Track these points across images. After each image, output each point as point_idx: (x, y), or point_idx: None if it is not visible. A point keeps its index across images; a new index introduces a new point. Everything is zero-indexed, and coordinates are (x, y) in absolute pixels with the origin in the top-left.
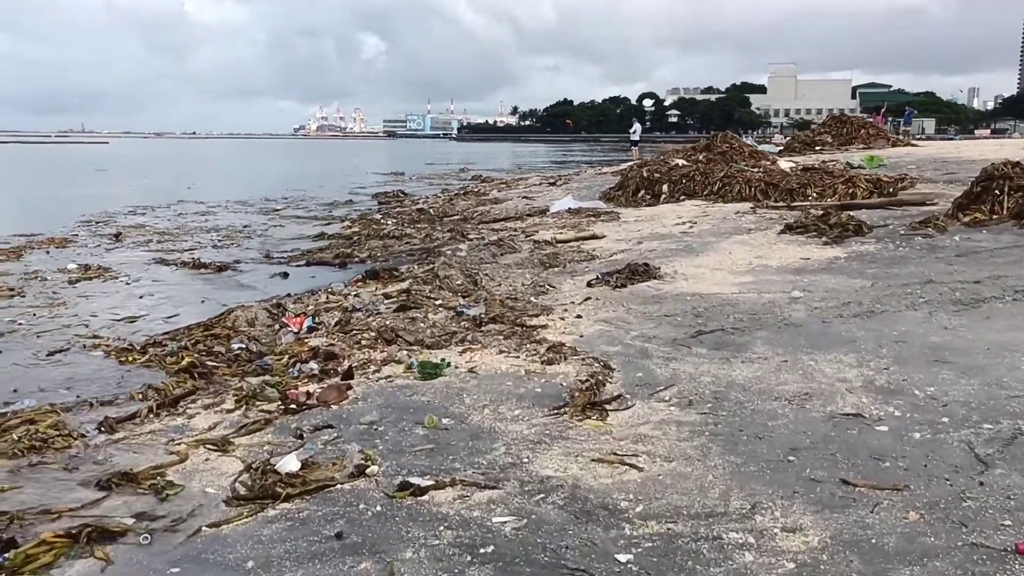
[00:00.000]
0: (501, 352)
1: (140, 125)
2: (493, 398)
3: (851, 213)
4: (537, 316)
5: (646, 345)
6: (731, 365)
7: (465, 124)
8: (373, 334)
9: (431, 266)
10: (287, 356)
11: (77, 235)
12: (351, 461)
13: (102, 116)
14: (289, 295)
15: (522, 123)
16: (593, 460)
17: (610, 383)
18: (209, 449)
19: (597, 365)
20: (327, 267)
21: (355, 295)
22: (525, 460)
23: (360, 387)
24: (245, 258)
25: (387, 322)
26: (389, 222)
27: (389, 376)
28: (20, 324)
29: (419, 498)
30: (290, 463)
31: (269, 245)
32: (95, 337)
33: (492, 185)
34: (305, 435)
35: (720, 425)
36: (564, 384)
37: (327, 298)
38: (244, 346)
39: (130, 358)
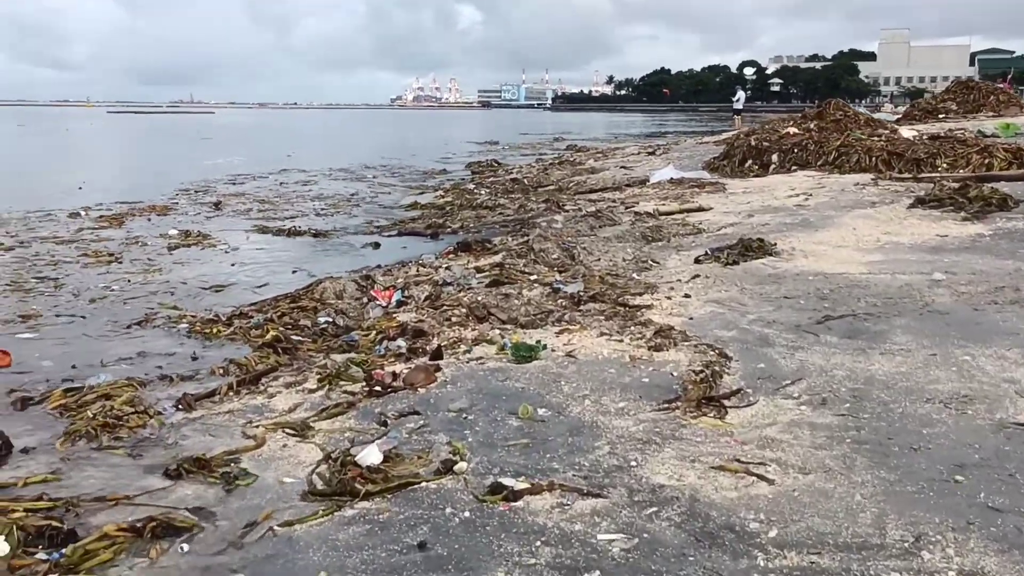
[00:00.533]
0: (602, 334)
1: (245, 96)
2: (594, 387)
3: (992, 185)
4: (641, 295)
5: (766, 331)
6: (868, 357)
7: (559, 94)
8: (464, 310)
9: (525, 239)
10: (374, 332)
11: (177, 203)
12: (437, 455)
13: (210, 87)
14: (379, 266)
15: (617, 93)
16: (713, 467)
17: (728, 374)
18: (288, 434)
19: (712, 353)
20: (419, 237)
21: (446, 268)
22: (633, 463)
23: (449, 369)
24: (340, 227)
25: (479, 298)
26: (482, 192)
27: (480, 358)
28: (112, 291)
29: (513, 504)
30: (372, 455)
31: (364, 213)
32: (176, 308)
33: (588, 155)
34: (389, 422)
35: (864, 431)
36: (675, 374)
37: (417, 270)
38: (331, 320)
39: (215, 330)
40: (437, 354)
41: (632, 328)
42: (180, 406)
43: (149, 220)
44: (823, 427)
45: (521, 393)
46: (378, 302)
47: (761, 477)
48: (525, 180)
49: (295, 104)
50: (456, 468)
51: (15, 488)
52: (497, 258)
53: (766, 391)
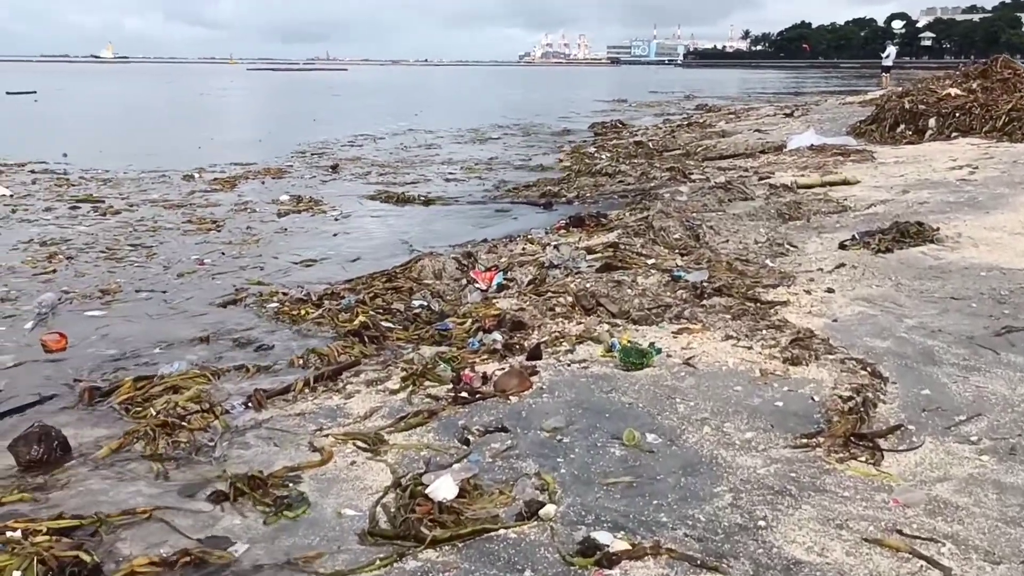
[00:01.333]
0: (728, 338)
1: (378, 53)
2: (716, 408)
3: None
4: (775, 287)
5: (930, 343)
6: None
7: (692, 50)
8: (570, 299)
9: (645, 214)
10: (470, 321)
11: (292, 166)
12: (522, 491)
13: (345, 44)
14: (485, 240)
15: (753, 48)
16: (867, 539)
17: (883, 402)
18: (358, 447)
19: (863, 372)
20: (532, 206)
21: (554, 246)
22: (761, 522)
23: (547, 373)
24: (453, 193)
25: (588, 285)
26: (603, 156)
27: (584, 361)
28: (203, 264)
29: (606, 572)
30: (445, 487)
31: (480, 178)
32: (262, 284)
33: (719, 115)
34: (472, 439)
35: None
36: (815, 398)
37: (523, 248)
38: (426, 304)
39: (302, 311)
40: (535, 353)
41: (764, 332)
42: (250, 404)
43: (263, 183)
44: (1015, 489)
45: (628, 411)
46: (477, 285)
47: (933, 563)
48: (649, 143)
49: (425, 61)
50: (543, 513)
51: (48, 503)
52: (612, 236)
53: (934, 429)
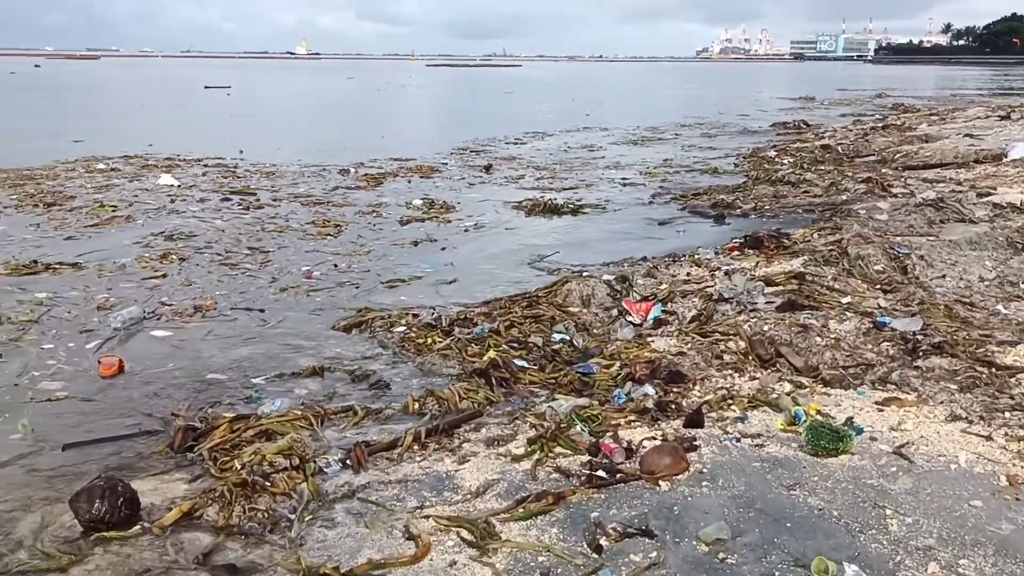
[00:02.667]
0: (955, 419)
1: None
2: (946, 532)
3: None
4: (1014, 345)
5: None
6: None
7: (883, 45)
8: (743, 345)
9: (837, 236)
10: (618, 364)
11: (447, 164)
12: None
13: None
14: (644, 260)
15: (954, 43)
16: None
17: None
18: (463, 539)
19: None
20: (701, 218)
21: (725, 273)
22: None
23: (709, 448)
24: (614, 201)
25: (765, 327)
26: (785, 161)
27: (758, 436)
28: (314, 276)
29: None
30: None
31: (647, 185)
32: (358, 306)
33: (919, 116)
34: (605, 544)
35: None
36: None
37: (688, 273)
38: (568, 338)
39: (429, 340)
40: (696, 419)
41: (1007, 414)
42: (348, 462)
43: (409, 183)
44: None
45: (817, 521)
46: (630, 318)
47: None
48: (839, 148)
49: (600, 56)
50: None
51: None
52: (796, 263)
53: None
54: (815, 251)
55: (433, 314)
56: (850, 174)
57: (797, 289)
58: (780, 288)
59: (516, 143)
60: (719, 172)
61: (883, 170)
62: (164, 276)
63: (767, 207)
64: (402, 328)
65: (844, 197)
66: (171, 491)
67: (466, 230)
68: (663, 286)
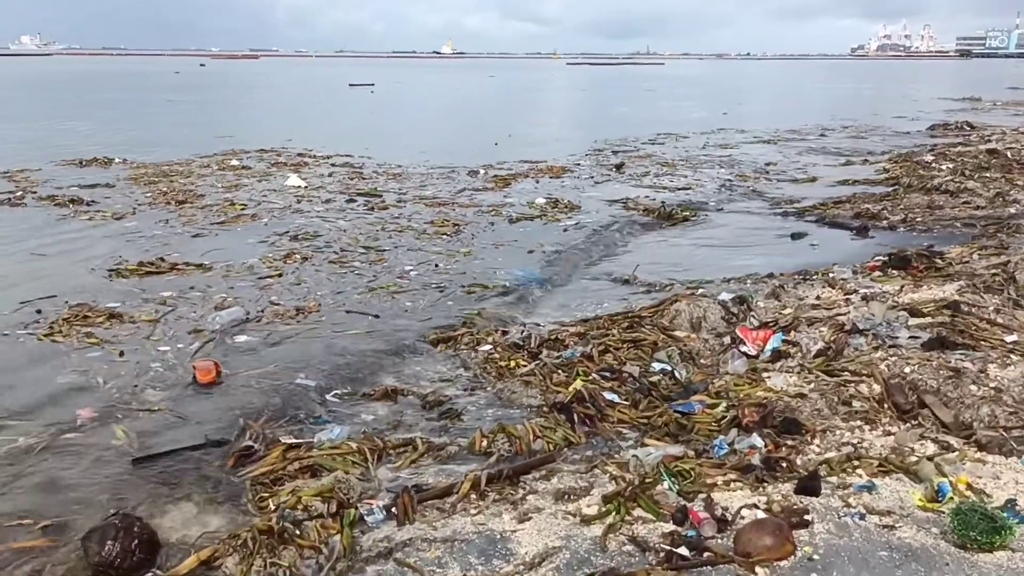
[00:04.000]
0: None
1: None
2: None
3: None
4: None
5: None
6: None
7: None
8: (877, 389)
9: (1003, 258)
10: (724, 404)
11: (579, 164)
12: None
13: (667, 39)
14: (771, 276)
15: None
16: None
17: None
18: None
19: None
20: (841, 230)
21: (863, 297)
22: None
23: (823, 525)
24: (736, 205)
25: (907, 369)
26: (943, 167)
27: (889, 515)
28: (408, 276)
29: None
30: None
31: (775, 188)
32: (479, 315)
33: None
34: None
35: None
36: None
37: (819, 295)
38: (669, 368)
39: (512, 362)
40: (809, 484)
41: None
42: (394, 512)
43: (536, 183)
44: None
45: None
46: (744, 348)
47: None
48: (1008, 153)
49: (748, 54)
50: None
51: None
52: (949, 289)
53: None
54: (974, 275)
55: (523, 331)
56: (1021, 183)
57: (950, 322)
58: (928, 321)
59: (653, 142)
60: (864, 180)
61: None
62: (280, 275)
63: (919, 219)
64: (488, 347)
65: (1012, 210)
66: (205, 523)
67: (564, 230)
68: (787, 310)
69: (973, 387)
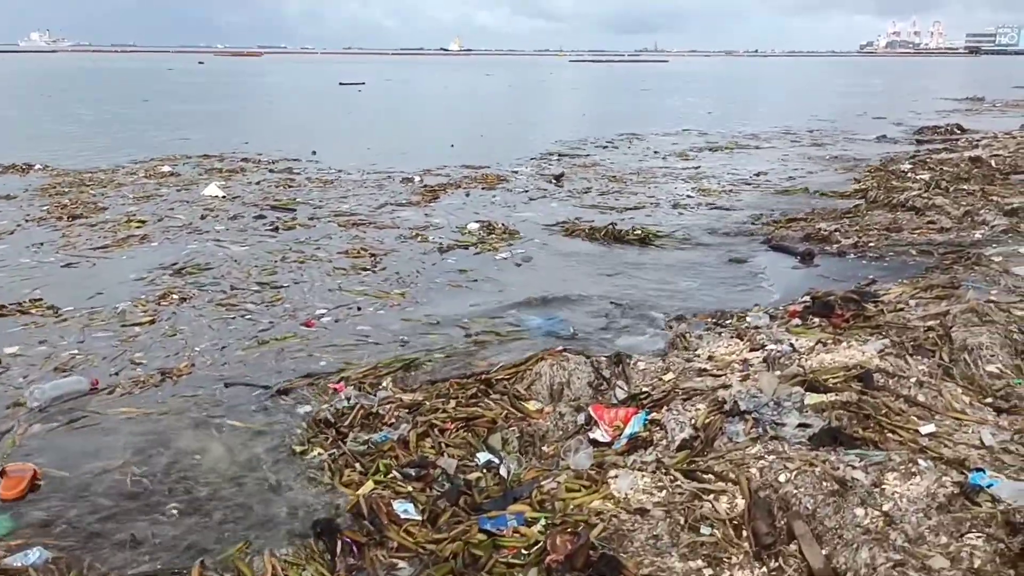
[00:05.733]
0: None
1: (709, 44)
2: None
3: None
4: None
5: None
6: None
7: None
8: (739, 505)
9: (942, 307)
10: (543, 522)
11: (518, 172)
12: None
13: (677, 35)
14: (680, 319)
15: None
16: None
17: None
18: None
19: None
20: (786, 255)
21: (763, 359)
22: None
23: None
24: (679, 225)
25: (782, 476)
26: (919, 178)
27: None
28: (316, 324)
29: None
30: None
31: (732, 205)
32: (312, 377)
33: None
34: None
35: None
36: None
37: (711, 355)
38: (496, 461)
39: (305, 449)
40: None
41: None
42: None
43: (467, 195)
44: None
45: None
46: (596, 432)
47: None
48: (992, 161)
49: (755, 51)
50: None
51: None
52: (870, 349)
53: None
54: (906, 327)
55: (351, 400)
56: (997, 198)
57: (855, 403)
58: (830, 400)
59: (610, 146)
60: (830, 194)
61: None
62: (152, 322)
63: (873, 243)
64: (308, 408)
65: (978, 234)
66: None
67: (516, 264)
68: (667, 376)
69: (859, 511)
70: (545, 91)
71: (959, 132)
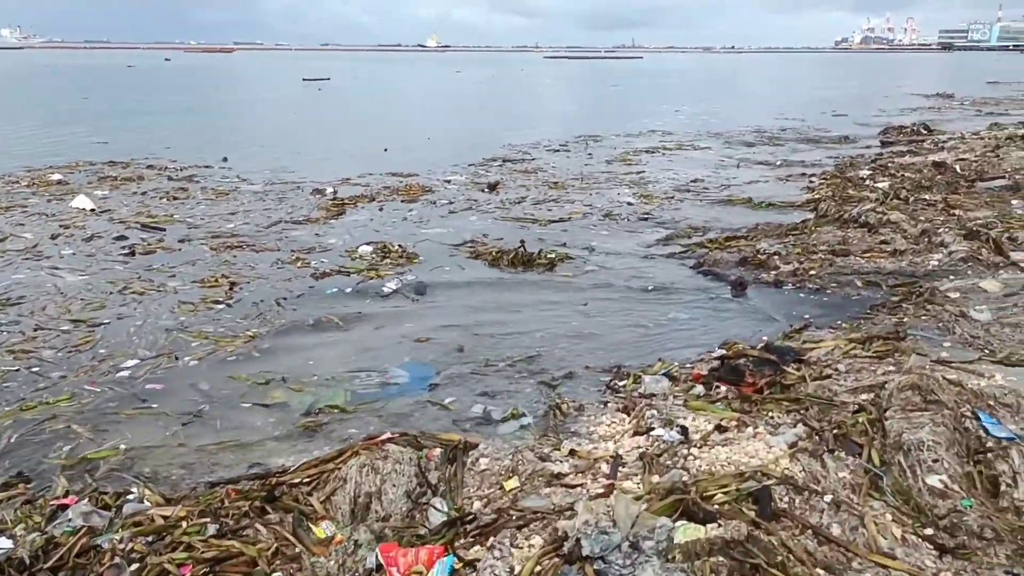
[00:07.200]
0: None
1: (688, 40)
2: None
3: None
4: None
5: None
6: None
7: None
8: None
9: (881, 372)
10: None
11: (450, 181)
12: None
13: (657, 31)
14: (550, 385)
15: None
16: None
17: None
18: None
19: None
20: (717, 281)
21: (647, 451)
22: None
23: None
24: (604, 246)
25: None
26: (878, 186)
27: None
28: (123, 385)
29: None
30: None
31: (674, 217)
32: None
33: None
34: None
35: None
36: None
37: (573, 450)
38: None
39: None
40: None
41: None
42: None
43: (380, 210)
44: None
45: None
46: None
47: None
48: (957, 166)
49: (732, 47)
50: None
51: None
52: (778, 444)
53: None
54: (832, 403)
55: (72, 521)
56: (959, 212)
57: (743, 541)
58: (703, 538)
59: (561, 150)
60: (780, 204)
61: (1011, 202)
62: None
63: (815, 270)
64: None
65: (933, 262)
66: None
67: (386, 295)
68: (511, 482)
69: None
70: (514, 89)
71: (925, 132)
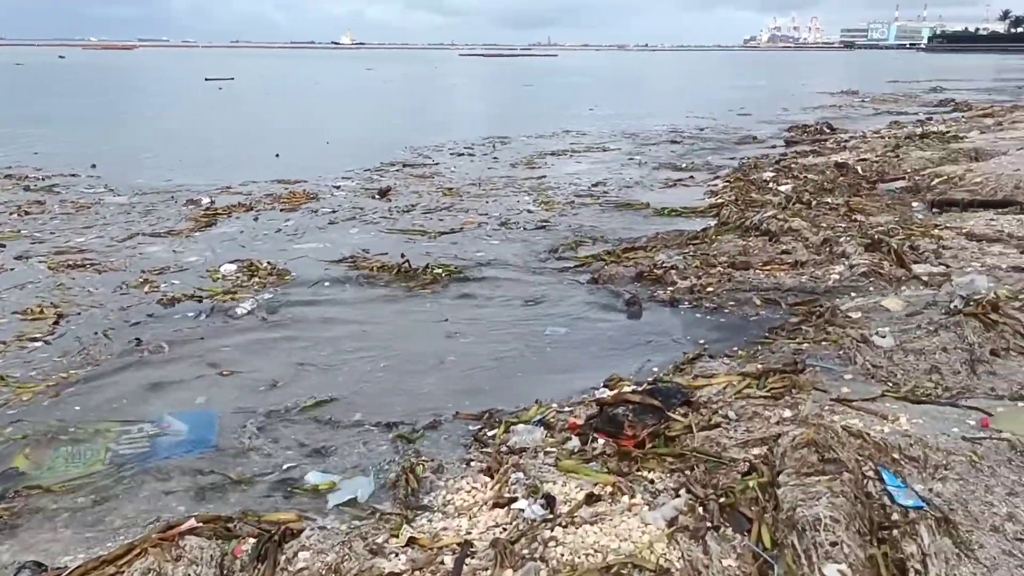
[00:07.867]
0: None
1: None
2: None
3: None
4: None
5: None
6: None
7: (938, 32)
8: None
9: (775, 420)
10: None
11: (339, 187)
12: None
13: (573, 29)
14: (404, 439)
15: (1013, 31)
16: None
17: None
18: None
19: None
20: (611, 297)
21: (499, 538)
22: None
23: None
24: (499, 257)
25: None
26: (781, 189)
27: None
28: None
29: None
30: None
31: (578, 223)
32: None
33: (970, 118)
34: None
35: None
36: None
37: (471, 489)
38: None
39: None
40: None
41: None
42: None
43: (256, 220)
44: None
45: None
46: None
47: None
48: (858, 168)
49: (645, 46)
50: None
51: None
52: (655, 521)
53: None
54: (720, 459)
55: None
56: (860, 216)
57: None
58: None
59: (464, 153)
60: (682, 211)
61: (912, 205)
62: None
63: (713, 286)
64: None
65: (835, 276)
66: None
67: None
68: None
69: None
70: (425, 87)
71: (828, 131)
